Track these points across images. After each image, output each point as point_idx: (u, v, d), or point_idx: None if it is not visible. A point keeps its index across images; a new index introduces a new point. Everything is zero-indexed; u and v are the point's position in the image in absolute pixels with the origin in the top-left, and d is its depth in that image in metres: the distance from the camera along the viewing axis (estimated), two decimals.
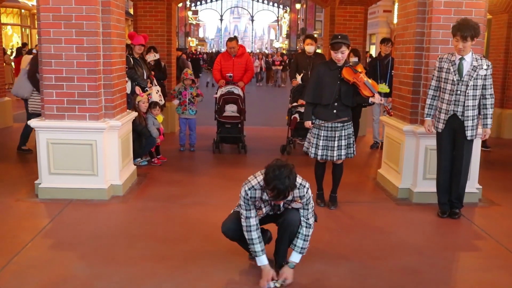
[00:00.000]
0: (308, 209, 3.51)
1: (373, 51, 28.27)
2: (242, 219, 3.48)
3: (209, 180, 6.23)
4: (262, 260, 3.46)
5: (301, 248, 3.51)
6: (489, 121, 4.74)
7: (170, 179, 6.18)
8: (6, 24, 20.86)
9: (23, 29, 21.67)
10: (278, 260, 3.66)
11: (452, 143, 4.83)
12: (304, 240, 3.51)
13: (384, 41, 8.25)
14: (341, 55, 4.77)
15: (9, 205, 5.03)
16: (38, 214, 4.87)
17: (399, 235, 4.46)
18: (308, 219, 3.52)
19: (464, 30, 4.46)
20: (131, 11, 16.46)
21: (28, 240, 4.13)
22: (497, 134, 9.43)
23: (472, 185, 5.38)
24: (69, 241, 4.16)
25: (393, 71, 7.09)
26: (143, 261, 3.79)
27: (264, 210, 3.53)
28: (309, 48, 7.54)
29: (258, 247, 3.45)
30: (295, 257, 3.51)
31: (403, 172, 5.48)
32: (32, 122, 5.18)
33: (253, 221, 3.45)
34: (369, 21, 11.68)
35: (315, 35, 8.72)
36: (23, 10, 21.49)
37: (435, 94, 4.86)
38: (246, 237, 3.47)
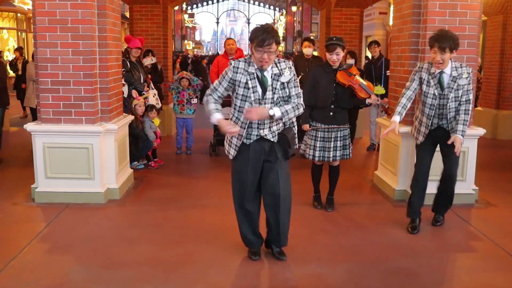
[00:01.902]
0: (296, 86, 3.66)
1: (368, 53, 28.30)
2: (209, 89, 3.70)
3: (206, 183, 6.22)
4: (215, 117, 3.61)
5: (285, 110, 3.58)
6: (461, 127, 4.24)
7: (167, 182, 6.18)
8: (2, 28, 20.82)
9: (19, 33, 21.60)
10: (275, 243, 3.78)
11: (431, 155, 4.55)
12: (293, 110, 3.61)
13: (370, 44, 8.39)
14: (336, 57, 4.78)
15: (6, 209, 5.02)
16: (35, 218, 4.86)
17: (396, 236, 4.47)
18: (296, 98, 3.65)
19: (443, 41, 4.11)
20: (127, 14, 16.45)
21: (25, 244, 4.12)
22: (493, 135, 9.45)
23: (469, 186, 5.39)
24: (65, 245, 4.15)
25: (388, 72, 7.12)
26: (140, 264, 3.79)
27: (252, 97, 3.57)
28: (307, 51, 7.56)
29: (210, 106, 3.65)
30: (276, 110, 3.55)
31: (399, 173, 5.49)
32: (29, 126, 5.18)
33: (216, 95, 3.66)
34: (365, 23, 11.68)
35: (312, 38, 8.72)
36: (19, 14, 21.42)
37: (411, 96, 4.41)
38: (203, 100, 3.73)
